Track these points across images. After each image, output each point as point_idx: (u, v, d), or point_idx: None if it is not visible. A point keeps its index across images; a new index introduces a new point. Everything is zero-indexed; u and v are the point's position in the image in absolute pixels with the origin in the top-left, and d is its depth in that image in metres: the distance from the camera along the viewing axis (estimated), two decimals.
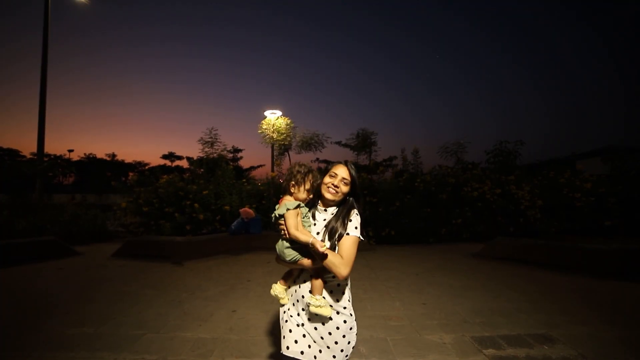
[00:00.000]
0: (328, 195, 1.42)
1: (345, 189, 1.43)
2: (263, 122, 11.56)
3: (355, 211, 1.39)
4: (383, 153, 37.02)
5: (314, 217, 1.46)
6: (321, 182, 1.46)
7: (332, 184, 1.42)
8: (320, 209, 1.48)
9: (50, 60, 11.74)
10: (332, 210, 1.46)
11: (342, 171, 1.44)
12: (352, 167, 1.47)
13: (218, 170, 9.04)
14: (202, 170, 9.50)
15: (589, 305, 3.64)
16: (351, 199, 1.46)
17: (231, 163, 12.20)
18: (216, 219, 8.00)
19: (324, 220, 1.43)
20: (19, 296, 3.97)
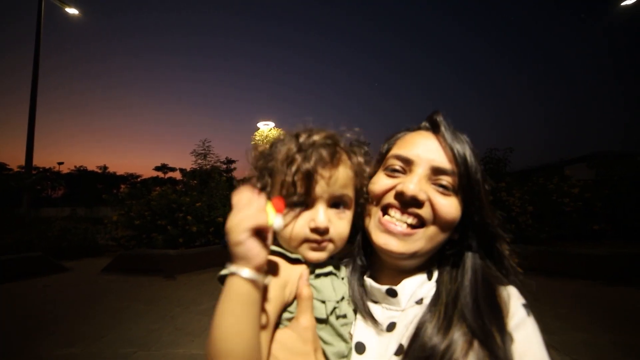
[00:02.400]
0: (384, 242, 0.57)
1: (448, 212, 0.57)
2: (256, 133, 11.65)
3: (512, 292, 0.55)
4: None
5: (363, 311, 0.60)
6: (367, 197, 0.62)
7: (400, 202, 0.57)
8: (377, 288, 0.60)
9: (41, 72, 11.70)
10: (416, 285, 0.59)
11: (427, 148, 0.59)
12: (459, 136, 0.60)
13: (211, 182, 8.99)
14: (195, 182, 9.43)
15: (582, 310, 3.68)
16: (473, 244, 0.60)
17: (225, 174, 12.18)
18: (209, 231, 7.90)
19: (394, 324, 0.58)
20: (3, 316, 3.83)
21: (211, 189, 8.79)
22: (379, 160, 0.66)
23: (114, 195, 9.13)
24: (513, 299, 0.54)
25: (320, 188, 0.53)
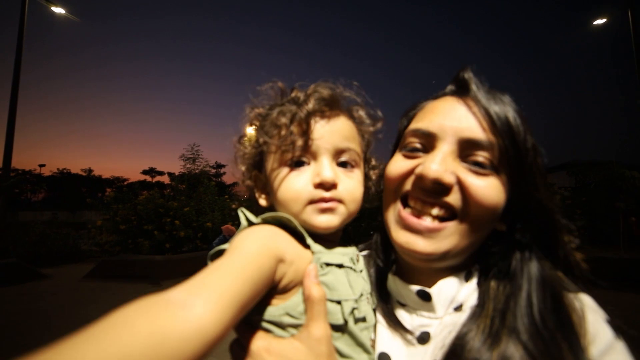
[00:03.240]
0: (406, 240, 0.46)
1: (486, 197, 0.44)
2: (245, 139, 11.56)
3: (587, 304, 0.43)
4: None
5: (388, 316, 0.50)
6: (381, 177, 0.54)
7: (421, 189, 0.46)
8: (405, 288, 0.50)
9: (23, 71, 11.34)
10: (455, 288, 0.48)
11: (453, 115, 0.47)
12: (497, 95, 0.47)
13: (200, 187, 8.84)
14: (183, 186, 9.26)
15: None
16: (527, 237, 0.47)
17: (214, 179, 12.01)
18: (197, 236, 7.74)
19: (428, 335, 0.47)
20: None
21: (200, 193, 8.65)
22: (397, 141, 0.54)
23: (99, 199, 8.86)
24: (590, 313, 0.40)
25: (322, 138, 0.46)
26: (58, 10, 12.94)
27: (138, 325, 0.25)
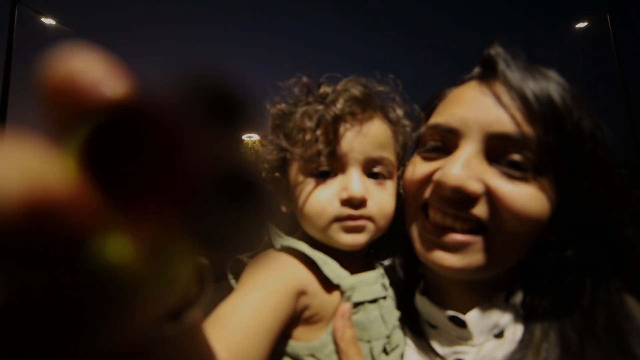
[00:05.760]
0: (431, 256, 0.41)
1: (523, 209, 0.36)
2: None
3: None
4: None
5: (417, 338, 0.45)
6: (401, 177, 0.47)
7: (441, 198, 0.40)
8: (436, 312, 0.44)
9: (12, 82, 11.22)
10: (495, 313, 0.41)
11: (479, 105, 0.39)
12: (536, 70, 0.38)
13: None
14: None
15: None
16: (583, 250, 0.39)
17: None
18: None
19: None
20: None
21: None
22: (416, 141, 0.47)
23: None
24: None
25: (352, 146, 0.40)
26: (48, 21, 12.87)
27: None
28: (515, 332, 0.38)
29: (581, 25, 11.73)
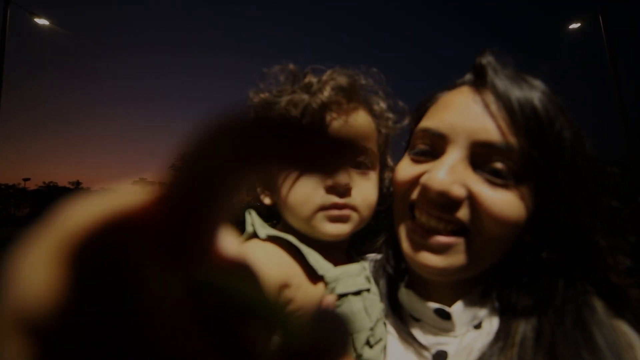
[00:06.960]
0: (415, 255, 0.43)
1: (502, 214, 0.39)
2: None
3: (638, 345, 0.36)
4: None
5: (401, 329, 0.46)
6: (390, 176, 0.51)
7: (427, 200, 0.42)
8: (422, 305, 0.45)
9: (5, 82, 11.09)
10: (477, 305, 0.44)
11: (467, 112, 0.41)
12: (523, 79, 0.40)
13: None
14: None
15: None
16: (558, 253, 0.41)
17: None
18: None
19: (445, 354, 0.43)
20: None
21: None
22: (408, 141, 0.48)
23: None
24: None
25: None
26: (42, 21, 12.78)
27: None
28: (491, 323, 0.41)
29: (574, 26, 11.87)
